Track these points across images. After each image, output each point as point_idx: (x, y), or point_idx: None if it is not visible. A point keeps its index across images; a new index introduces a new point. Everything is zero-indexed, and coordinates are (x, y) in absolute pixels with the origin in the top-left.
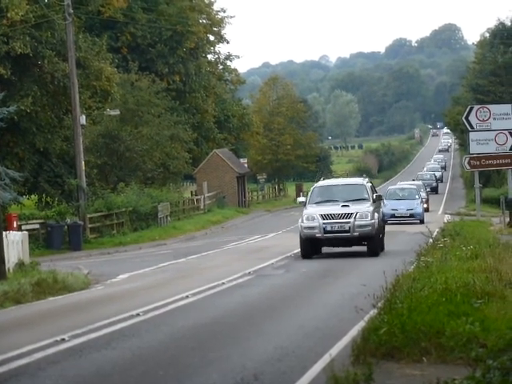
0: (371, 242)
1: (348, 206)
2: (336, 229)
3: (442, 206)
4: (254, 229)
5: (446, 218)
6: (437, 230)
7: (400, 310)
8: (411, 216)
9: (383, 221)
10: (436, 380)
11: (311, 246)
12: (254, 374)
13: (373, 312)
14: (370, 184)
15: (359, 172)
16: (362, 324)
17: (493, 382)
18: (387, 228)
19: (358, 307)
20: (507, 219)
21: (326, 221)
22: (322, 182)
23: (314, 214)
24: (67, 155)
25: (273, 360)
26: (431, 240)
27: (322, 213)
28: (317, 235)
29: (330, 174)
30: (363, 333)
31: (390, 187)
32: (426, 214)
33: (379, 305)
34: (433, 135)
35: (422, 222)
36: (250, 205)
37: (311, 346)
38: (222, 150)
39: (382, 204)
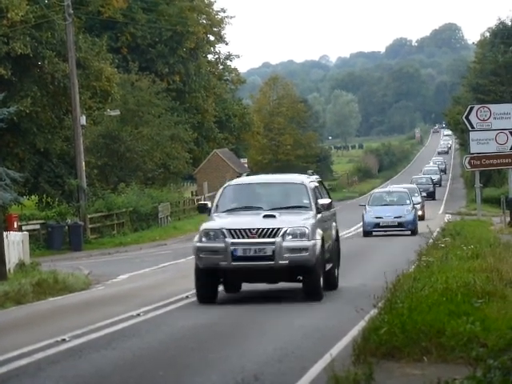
0: (309, 277)
1: (274, 216)
2: (252, 253)
3: (443, 207)
4: None
5: (447, 217)
6: (437, 229)
7: (400, 309)
8: (400, 225)
9: (338, 241)
10: (437, 380)
11: (212, 282)
12: (254, 374)
13: (373, 312)
14: (315, 184)
15: (360, 172)
16: (362, 324)
17: (493, 382)
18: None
19: (359, 307)
20: (508, 219)
21: (236, 240)
22: (239, 180)
23: (218, 229)
24: (67, 156)
25: (273, 360)
26: (431, 240)
27: (231, 227)
28: (221, 264)
29: (330, 174)
30: (363, 332)
31: (374, 190)
32: (422, 221)
33: (380, 304)
34: (434, 132)
35: (413, 232)
36: None
37: (311, 347)
38: (223, 150)
39: (335, 216)
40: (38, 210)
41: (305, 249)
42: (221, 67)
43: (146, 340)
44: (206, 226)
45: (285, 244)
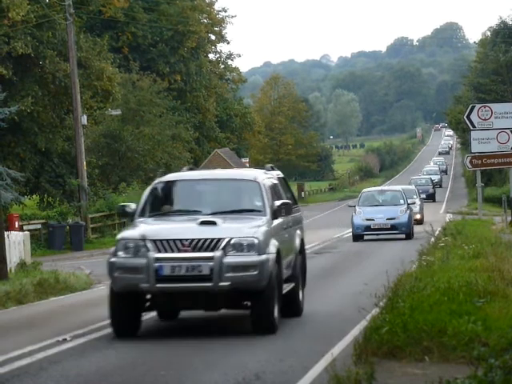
0: (258, 303)
1: (214, 223)
2: (183, 272)
3: (443, 209)
4: None
5: (448, 217)
6: (438, 229)
7: (402, 309)
8: (393, 228)
9: (303, 255)
10: (438, 379)
11: (131, 310)
12: (256, 373)
13: (375, 311)
14: (272, 181)
15: (361, 171)
16: (364, 323)
17: (495, 381)
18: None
19: (360, 306)
20: (509, 218)
21: (162, 254)
22: (173, 175)
23: (139, 240)
24: (68, 155)
25: (275, 360)
26: (433, 239)
27: (157, 237)
28: (142, 286)
29: (331, 174)
30: (365, 332)
31: (364, 190)
32: (424, 219)
33: (381, 304)
34: (435, 130)
35: (408, 236)
36: None
37: (313, 346)
38: (224, 150)
39: (301, 223)
40: (39, 209)
41: (253, 266)
42: (222, 66)
43: (147, 339)
44: (123, 234)
45: (227, 260)
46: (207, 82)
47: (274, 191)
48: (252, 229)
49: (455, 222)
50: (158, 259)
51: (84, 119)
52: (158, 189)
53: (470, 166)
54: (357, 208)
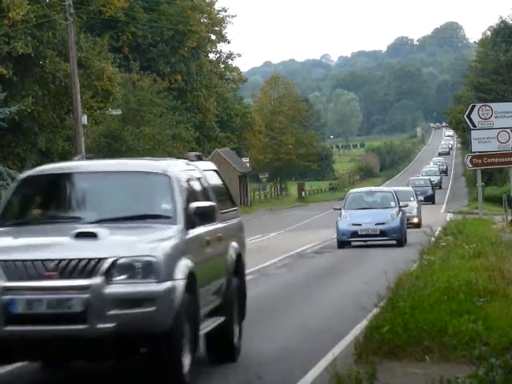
0: (159, 351)
1: (95, 235)
2: (44, 309)
3: (444, 207)
4: (255, 228)
5: (449, 216)
6: (439, 228)
7: (402, 308)
8: (383, 233)
9: (240, 276)
10: (439, 378)
11: None
12: (257, 373)
13: (375, 310)
14: (193, 175)
15: (361, 171)
16: (364, 323)
17: (496, 381)
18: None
19: (361, 306)
20: (510, 217)
21: (14, 283)
22: (48, 167)
23: None
24: (69, 155)
25: (275, 359)
26: (433, 238)
27: (8, 257)
28: None
29: (332, 173)
30: (366, 331)
31: (351, 190)
32: (422, 222)
33: (382, 303)
34: (436, 128)
35: (400, 243)
36: (252, 204)
37: (314, 346)
38: (224, 150)
39: (241, 233)
40: None
41: (149, 299)
42: (222, 66)
43: None
44: None
45: (110, 290)
46: (207, 82)
47: (196, 190)
48: (150, 243)
49: (456, 222)
50: (7, 290)
51: (84, 119)
52: (25, 186)
53: (470, 166)
54: (342, 211)
